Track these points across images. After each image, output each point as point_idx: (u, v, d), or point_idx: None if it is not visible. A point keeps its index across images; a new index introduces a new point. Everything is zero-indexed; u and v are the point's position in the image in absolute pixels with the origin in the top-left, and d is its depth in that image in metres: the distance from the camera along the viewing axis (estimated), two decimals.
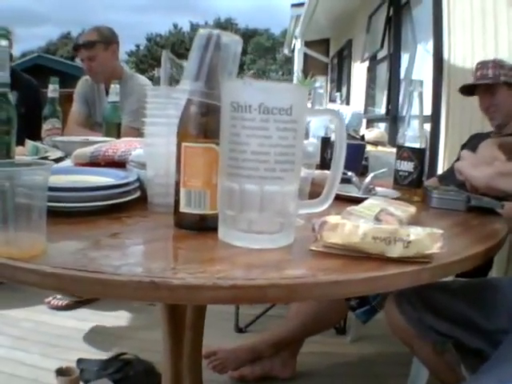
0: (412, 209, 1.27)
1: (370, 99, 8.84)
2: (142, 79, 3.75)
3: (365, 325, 2.65)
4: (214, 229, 0.99)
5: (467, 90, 3.04)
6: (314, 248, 0.95)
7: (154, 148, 1.19)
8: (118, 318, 3.29)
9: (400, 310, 1.72)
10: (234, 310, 3.21)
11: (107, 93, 3.47)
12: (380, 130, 6.38)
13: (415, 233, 0.92)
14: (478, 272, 1.57)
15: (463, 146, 3.07)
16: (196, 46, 1.02)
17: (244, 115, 0.89)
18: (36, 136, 2.34)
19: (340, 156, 1.01)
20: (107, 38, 3.56)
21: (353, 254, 0.92)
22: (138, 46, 58.99)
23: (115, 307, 3.38)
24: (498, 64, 2.81)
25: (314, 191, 1.08)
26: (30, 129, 2.36)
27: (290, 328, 2.60)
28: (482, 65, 2.87)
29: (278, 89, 0.94)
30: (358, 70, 9.93)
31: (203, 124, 1.01)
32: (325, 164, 1.68)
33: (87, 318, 3.25)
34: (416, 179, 1.66)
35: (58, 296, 3.34)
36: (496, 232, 1.33)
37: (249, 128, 0.89)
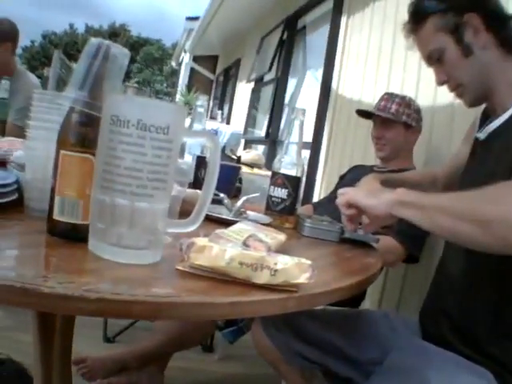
0: (282, 236, 1.29)
1: (252, 120, 8.81)
2: (33, 78, 3.66)
3: (233, 344, 2.69)
4: (86, 239, 0.97)
5: (365, 113, 3.02)
6: (180, 268, 0.95)
7: (33, 151, 1.17)
8: None
9: (266, 333, 1.73)
10: (102, 319, 3.22)
11: None
12: (258, 152, 6.48)
13: (283, 262, 0.94)
14: (350, 302, 1.61)
15: (342, 177, 3.14)
16: (85, 55, 1.01)
17: (122, 130, 0.88)
18: None
19: (212, 179, 1.02)
20: (3, 34, 3.41)
21: (219, 277, 0.93)
22: (32, 42, 57.63)
23: None
24: (405, 102, 2.78)
25: (186, 209, 1.08)
26: None
27: (155, 342, 2.58)
28: (389, 97, 2.83)
29: (157, 107, 0.94)
30: (243, 90, 9.91)
31: (83, 134, 1.00)
32: (198, 182, 1.68)
33: None
34: (289, 206, 1.69)
35: None
36: (368, 266, 1.37)
37: (125, 143, 0.89)
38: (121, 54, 1.02)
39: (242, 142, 8.09)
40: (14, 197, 1.19)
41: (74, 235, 1.01)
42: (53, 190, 1.02)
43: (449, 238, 1.41)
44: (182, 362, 2.96)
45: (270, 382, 2.39)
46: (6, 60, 3.41)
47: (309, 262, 0.96)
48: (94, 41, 1.02)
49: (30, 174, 1.18)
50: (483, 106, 1.70)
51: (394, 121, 2.74)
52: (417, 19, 1.61)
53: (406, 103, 2.77)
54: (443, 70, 1.62)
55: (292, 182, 1.69)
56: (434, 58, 1.61)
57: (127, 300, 0.79)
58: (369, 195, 1.48)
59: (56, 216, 1.02)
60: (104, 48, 1.00)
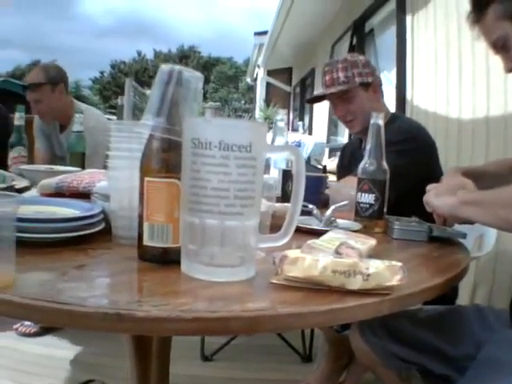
0: (372, 241, 1.28)
1: (333, 128, 8.80)
2: (96, 112, 3.74)
3: None
4: (177, 262, 0.99)
5: (315, 99, 2.76)
6: (274, 281, 0.96)
7: (117, 181, 1.20)
8: (86, 345, 3.26)
9: (363, 338, 1.72)
10: (199, 339, 3.21)
11: (61, 127, 3.47)
12: None
13: (374, 266, 0.94)
14: (444, 300, 1.59)
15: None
16: (158, 82, 1.03)
17: (204, 152, 0.90)
18: (2, 164, 2.33)
19: (299, 191, 1.02)
20: (53, 79, 3.47)
21: (313, 287, 0.94)
22: (102, 73, 59.23)
23: (83, 334, 3.33)
24: (350, 63, 2.46)
25: (276, 224, 1.09)
26: None
27: None
28: (331, 67, 2.50)
29: (237, 126, 0.95)
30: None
31: (165, 159, 1.03)
32: (286, 196, 1.68)
33: (55, 345, 3.23)
34: (377, 211, 1.67)
35: (26, 323, 3.30)
36: (458, 262, 1.35)
37: (209, 164, 0.90)
38: (193, 77, 1.04)
39: (326, 150, 8.05)
40: (101, 227, 1.23)
41: (166, 259, 1.04)
42: (141, 217, 1.05)
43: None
44: (282, 375, 2.97)
45: None
46: (61, 103, 3.48)
47: (399, 263, 0.96)
48: (164, 67, 1.04)
49: (115, 203, 1.21)
50: None
51: (350, 89, 2.45)
52: (478, 9, 1.59)
53: (351, 63, 2.48)
54: (509, 57, 1.58)
55: (378, 187, 1.68)
56: (498, 46, 1.58)
57: (224, 317, 0.81)
58: (438, 196, 1.50)
59: (146, 242, 1.04)
60: (176, 74, 1.02)
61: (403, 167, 2.04)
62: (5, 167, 2.32)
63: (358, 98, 2.46)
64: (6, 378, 2.72)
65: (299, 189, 1.02)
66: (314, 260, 0.94)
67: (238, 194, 0.91)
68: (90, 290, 0.89)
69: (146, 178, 1.03)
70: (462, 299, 2.41)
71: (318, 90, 2.60)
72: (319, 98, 2.70)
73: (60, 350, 3.15)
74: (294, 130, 11.23)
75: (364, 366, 1.85)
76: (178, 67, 1.03)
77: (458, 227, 1.66)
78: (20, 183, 1.92)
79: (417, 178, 1.57)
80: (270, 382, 2.72)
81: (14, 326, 3.33)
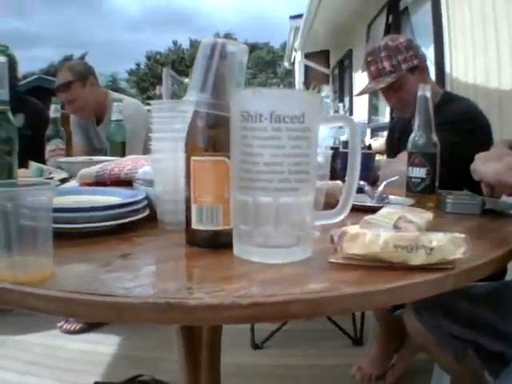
0: (429, 215, 1.23)
1: (373, 108, 8.79)
2: (131, 100, 3.73)
3: None
4: (229, 245, 0.95)
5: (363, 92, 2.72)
6: (333, 260, 0.91)
7: (161, 164, 1.16)
8: (131, 340, 3.27)
9: (419, 318, 1.70)
10: (249, 326, 3.19)
11: (98, 119, 3.48)
12: (385, 138, 6.35)
13: (437, 239, 0.89)
14: (495, 276, 1.54)
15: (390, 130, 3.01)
16: (200, 56, 0.98)
17: (255, 125, 0.85)
18: (40, 158, 2.31)
19: (354, 164, 0.96)
20: (81, 74, 3.47)
21: (374, 264, 0.89)
22: (138, 65, 59.36)
23: (128, 328, 3.35)
24: (392, 49, 2.40)
25: (327, 202, 1.04)
26: (35, 151, 2.33)
27: None
28: (374, 56, 2.43)
29: (289, 96, 0.90)
30: (360, 80, 9.82)
31: (212, 136, 0.98)
32: (334, 175, 1.63)
33: (101, 341, 3.24)
34: (429, 185, 1.62)
35: (70, 320, 3.31)
36: None
37: (260, 138, 0.85)
38: (238, 50, 0.99)
39: (368, 131, 7.99)
40: (146, 213, 1.19)
41: (217, 242, 0.99)
42: (188, 200, 1.00)
43: None
44: (333, 359, 2.95)
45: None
46: (95, 96, 3.47)
47: (463, 235, 0.91)
48: (207, 41, 0.99)
49: (160, 187, 1.17)
50: None
51: (398, 79, 2.39)
52: None
53: (394, 49, 2.41)
54: None
55: (429, 160, 1.62)
56: None
57: (282, 301, 0.76)
58: (485, 162, 1.44)
59: (195, 225, 1.00)
60: (219, 47, 0.97)
61: (458, 146, 2.00)
62: (43, 161, 2.31)
63: (407, 84, 2.39)
64: (51, 378, 2.73)
65: (355, 162, 0.97)
66: (375, 235, 0.88)
67: (292, 169, 0.86)
68: (135, 280, 0.84)
69: (193, 158, 0.98)
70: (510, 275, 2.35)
71: (367, 84, 2.54)
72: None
73: (105, 346, 3.16)
74: (335, 111, 11.20)
75: (417, 347, 1.82)
76: (221, 40, 0.98)
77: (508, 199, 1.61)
78: (58, 175, 1.90)
79: (471, 158, 1.51)
80: (321, 367, 2.70)
81: (59, 324, 3.37)
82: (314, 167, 0.91)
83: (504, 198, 1.53)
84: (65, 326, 3.32)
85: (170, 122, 1.13)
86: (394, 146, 2.66)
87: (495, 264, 1.06)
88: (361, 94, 2.77)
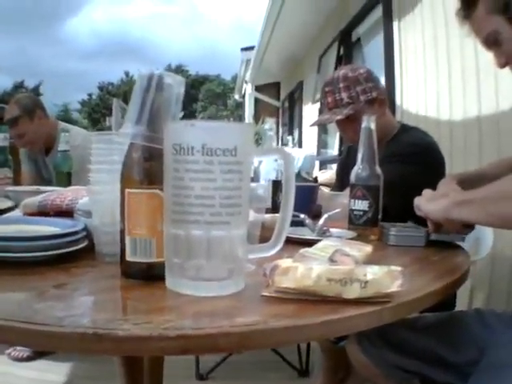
0: (368, 248, 1.24)
1: (323, 141, 8.87)
2: (80, 130, 3.72)
3: None
4: (162, 277, 0.94)
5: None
6: (266, 294, 0.91)
7: (99, 195, 1.15)
8: (78, 369, 3.23)
9: (362, 349, 1.68)
10: (194, 357, 3.18)
11: (46, 150, 3.45)
12: (333, 171, 6.38)
13: (372, 272, 0.89)
14: (443, 306, 1.55)
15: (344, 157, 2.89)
16: (137, 88, 0.98)
17: (187, 158, 0.85)
18: None
19: (289, 196, 0.96)
20: (28, 108, 3.44)
21: (308, 298, 0.89)
22: (90, 95, 59.52)
23: (76, 357, 3.30)
24: (351, 80, 2.33)
25: (266, 236, 1.04)
26: None
27: None
28: (332, 87, 2.36)
29: (221, 128, 0.90)
30: (310, 112, 9.85)
31: (147, 169, 0.98)
32: (276, 207, 1.63)
33: (48, 369, 3.20)
34: (371, 218, 1.62)
35: (19, 347, 3.25)
36: (458, 265, 1.32)
37: (192, 171, 0.85)
38: (175, 81, 0.99)
39: (317, 163, 8.05)
40: (83, 244, 1.18)
41: (150, 275, 0.98)
42: (122, 232, 1.00)
43: (505, 224, 1.34)
44: None
45: None
46: (43, 129, 3.45)
47: (399, 268, 0.92)
48: (144, 73, 0.99)
49: (97, 218, 1.16)
50: None
51: (357, 110, 2.28)
52: (467, 5, 1.57)
53: (353, 80, 2.34)
54: (502, 53, 1.56)
55: (372, 192, 1.62)
56: (490, 42, 1.56)
57: (211, 333, 0.75)
58: (430, 200, 1.46)
59: (129, 257, 0.99)
60: (156, 78, 0.97)
61: (411, 177, 2.01)
62: None
63: (359, 116, 2.17)
64: None
65: (289, 194, 0.96)
66: (307, 269, 0.88)
67: (223, 202, 0.86)
68: (68, 310, 0.84)
69: (127, 190, 0.97)
70: (461, 305, 2.37)
71: (323, 114, 2.44)
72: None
73: (52, 375, 3.13)
74: (284, 144, 11.33)
75: (363, 378, 1.80)
76: (157, 71, 0.98)
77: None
78: (3, 204, 1.87)
79: (420, 191, 1.52)
80: None
81: (7, 351, 3.33)
82: (247, 200, 0.91)
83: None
84: (13, 354, 3.29)
85: (107, 154, 1.13)
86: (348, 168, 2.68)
87: (436, 296, 1.07)
88: (316, 124, 2.73)
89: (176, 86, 1.00)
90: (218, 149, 0.84)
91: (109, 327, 0.73)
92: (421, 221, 1.59)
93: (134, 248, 0.98)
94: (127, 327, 0.74)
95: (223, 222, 0.87)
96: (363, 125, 1.66)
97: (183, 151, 0.85)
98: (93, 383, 3.04)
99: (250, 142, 0.93)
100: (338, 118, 2.32)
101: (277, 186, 1.81)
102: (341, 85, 2.33)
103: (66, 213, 1.40)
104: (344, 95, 2.32)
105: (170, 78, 0.99)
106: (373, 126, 1.66)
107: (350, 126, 2.36)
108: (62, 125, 3.60)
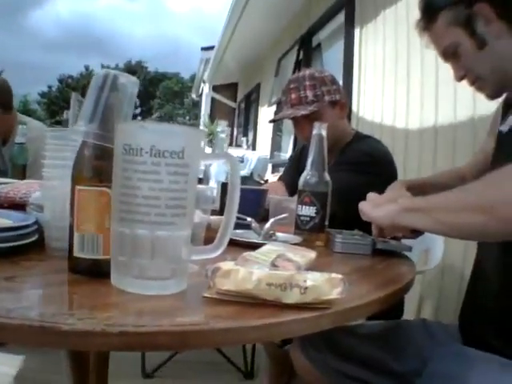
0: (312, 254, 1.25)
1: (277, 144, 8.92)
2: (37, 123, 3.69)
3: None
4: (109, 274, 0.95)
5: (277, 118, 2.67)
6: (207, 295, 0.92)
7: (51, 191, 1.16)
8: (30, 361, 3.21)
9: (304, 354, 1.69)
10: (140, 354, 3.19)
11: (3, 141, 3.41)
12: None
13: (312, 278, 0.91)
14: (390, 314, 1.57)
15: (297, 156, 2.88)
16: (92, 87, 1.00)
17: (135, 158, 0.86)
18: None
19: (233, 200, 0.99)
20: None
21: (248, 301, 0.90)
22: (50, 87, 58.56)
23: (29, 350, 3.26)
24: (317, 80, 2.37)
25: (211, 237, 1.06)
26: None
27: None
28: (297, 84, 2.40)
29: (170, 131, 0.92)
30: (266, 115, 9.88)
31: (97, 167, 0.99)
32: (224, 209, 1.65)
33: (1, 362, 3.17)
34: (318, 224, 1.65)
35: None
36: (402, 275, 1.34)
37: (140, 172, 0.87)
38: (129, 82, 1.01)
39: (270, 166, 8.06)
40: (34, 238, 1.19)
41: (96, 271, 0.99)
42: (71, 227, 1.01)
43: (454, 234, 1.34)
44: None
45: None
46: (6, 121, 3.42)
47: (340, 276, 0.93)
48: (99, 72, 1.00)
49: (48, 213, 1.17)
50: (503, 96, 1.66)
51: (320, 109, 2.35)
52: (428, 16, 1.59)
53: (320, 80, 2.38)
54: (460, 65, 1.59)
55: (320, 199, 1.65)
56: (449, 54, 1.59)
57: (152, 331, 0.77)
58: (376, 206, 1.45)
59: (76, 253, 1.00)
60: (111, 78, 0.99)
61: (361, 186, 2.00)
62: None
63: (326, 116, 2.33)
64: None
65: (234, 197, 0.99)
66: (247, 272, 0.90)
67: (169, 203, 0.88)
68: (17, 302, 0.85)
69: (77, 187, 0.99)
70: (409, 314, 2.40)
71: (285, 110, 2.47)
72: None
73: (4, 367, 3.12)
74: (238, 145, 11.34)
75: (306, 383, 1.81)
76: (113, 72, 0.99)
77: (404, 241, 1.65)
78: None
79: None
80: None
81: None
82: (192, 203, 0.93)
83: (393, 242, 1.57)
84: None
85: (61, 150, 1.13)
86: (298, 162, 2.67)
87: (378, 305, 1.08)
88: (277, 119, 2.74)
89: (130, 86, 1.01)
90: (165, 151, 0.86)
91: (54, 321, 0.75)
92: (369, 229, 1.61)
93: (81, 244, 0.99)
94: (72, 322, 0.75)
95: (168, 223, 0.89)
96: (314, 131, 1.69)
97: (132, 152, 0.87)
98: (44, 376, 3.00)
99: (198, 145, 0.95)
100: (303, 113, 2.34)
101: (226, 188, 1.80)
102: (307, 83, 2.37)
103: (19, 206, 1.40)
104: (309, 93, 2.35)
105: (125, 78, 1.00)
106: (324, 133, 1.69)
107: (309, 124, 2.25)
108: (20, 117, 3.57)
